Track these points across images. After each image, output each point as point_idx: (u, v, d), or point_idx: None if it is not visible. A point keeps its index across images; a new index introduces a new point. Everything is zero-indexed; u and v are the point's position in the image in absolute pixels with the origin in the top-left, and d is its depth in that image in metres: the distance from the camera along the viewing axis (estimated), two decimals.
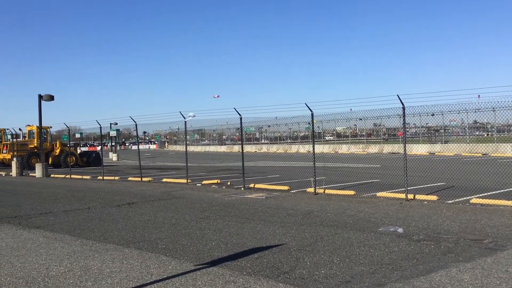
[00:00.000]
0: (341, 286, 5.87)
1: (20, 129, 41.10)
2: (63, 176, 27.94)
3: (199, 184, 19.68)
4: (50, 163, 35.46)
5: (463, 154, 37.11)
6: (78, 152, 39.74)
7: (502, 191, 14.14)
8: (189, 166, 21.63)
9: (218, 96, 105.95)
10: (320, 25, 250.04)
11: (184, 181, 20.67)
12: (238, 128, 26.06)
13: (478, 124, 55.02)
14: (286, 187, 16.85)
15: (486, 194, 13.54)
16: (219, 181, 19.99)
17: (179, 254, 7.75)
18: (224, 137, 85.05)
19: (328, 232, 9.23)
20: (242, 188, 17.37)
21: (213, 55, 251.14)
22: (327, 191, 15.40)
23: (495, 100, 14.89)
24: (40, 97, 29.49)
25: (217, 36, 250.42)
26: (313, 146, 16.70)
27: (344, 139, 68.98)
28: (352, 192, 15.06)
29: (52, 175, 28.81)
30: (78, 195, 17.38)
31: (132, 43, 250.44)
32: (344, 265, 6.83)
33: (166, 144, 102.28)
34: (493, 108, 26.42)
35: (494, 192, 13.82)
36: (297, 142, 65.29)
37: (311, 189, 15.65)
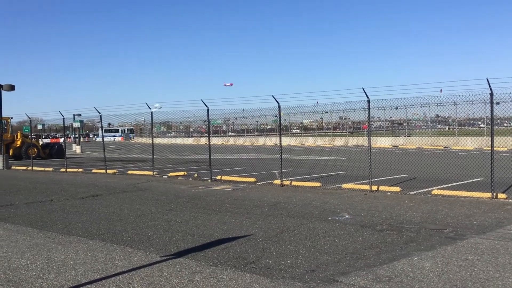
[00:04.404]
0: (306, 275, 5.95)
1: None
2: (24, 168, 27.21)
3: (166, 176, 19.51)
4: (11, 155, 34.43)
5: (425, 147, 38.05)
6: (40, 144, 38.75)
7: (462, 182, 14.57)
8: (156, 158, 21.41)
9: (231, 84, 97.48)
10: (287, 19, 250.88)
11: (150, 173, 20.46)
12: (205, 121, 25.93)
13: (440, 118, 56.48)
14: (253, 179, 16.89)
15: (447, 185, 13.93)
16: (185, 173, 19.87)
17: (145, 245, 7.69)
18: (191, 129, 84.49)
19: (294, 223, 9.33)
20: (209, 180, 17.33)
21: (180, 47, 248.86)
22: (293, 183, 15.52)
23: (457, 94, 15.20)
24: (0, 86, 28.55)
25: (184, 28, 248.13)
26: (280, 138, 16.78)
27: (311, 132, 69.67)
28: (318, 184, 15.22)
29: (13, 167, 28.04)
30: (40, 187, 16.97)
31: (98, 34, 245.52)
32: (309, 254, 6.92)
33: (132, 136, 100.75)
34: (455, 102, 27.09)
35: (454, 184, 14.22)
36: (264, 135, 65.44)
37: (277, 181, 15.75)
